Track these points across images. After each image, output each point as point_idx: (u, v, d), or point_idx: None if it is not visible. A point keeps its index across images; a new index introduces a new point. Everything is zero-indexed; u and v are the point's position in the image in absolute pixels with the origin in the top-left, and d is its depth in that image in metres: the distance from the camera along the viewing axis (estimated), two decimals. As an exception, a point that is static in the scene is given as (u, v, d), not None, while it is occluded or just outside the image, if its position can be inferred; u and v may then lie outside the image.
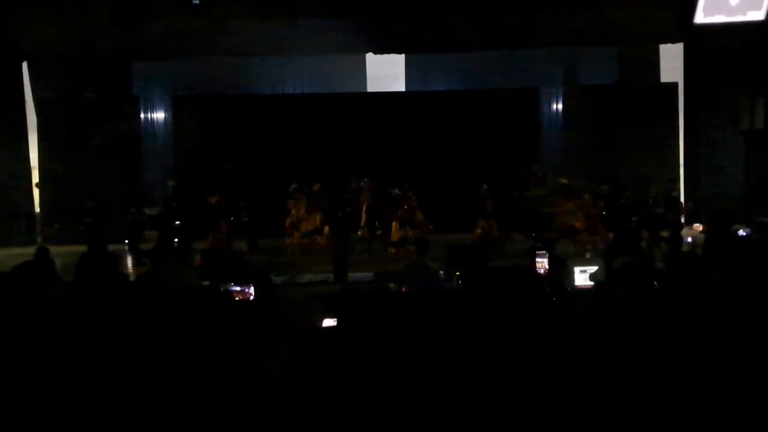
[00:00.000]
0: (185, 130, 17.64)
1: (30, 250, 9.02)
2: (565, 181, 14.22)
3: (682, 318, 3.89)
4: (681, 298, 4.21)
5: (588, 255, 11.66)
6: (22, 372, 3.15)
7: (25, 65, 16.36)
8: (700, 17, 13.23)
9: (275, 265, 11.89)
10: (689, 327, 3.72)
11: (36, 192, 17.01)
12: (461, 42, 15.59)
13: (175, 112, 18.00)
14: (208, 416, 2.84)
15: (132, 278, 8.84)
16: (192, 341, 3.24)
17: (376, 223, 13.63)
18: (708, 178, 15.84)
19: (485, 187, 13.94)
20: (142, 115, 17.86)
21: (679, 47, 16.15)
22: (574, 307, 4.37)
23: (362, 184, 14.18)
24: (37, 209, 17.08)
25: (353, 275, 11.05)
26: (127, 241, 13.27)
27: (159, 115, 18.45)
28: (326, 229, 13.71)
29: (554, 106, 18.55)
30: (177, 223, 14.46)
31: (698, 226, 12.23)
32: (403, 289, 6.89)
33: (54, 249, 11.40)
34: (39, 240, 15.74)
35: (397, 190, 13.80)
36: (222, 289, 4.08)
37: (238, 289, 5.16)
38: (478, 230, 13.28)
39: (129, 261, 12.87)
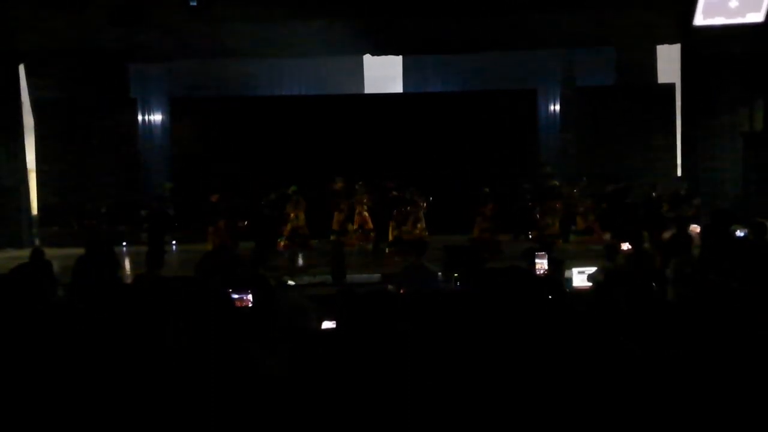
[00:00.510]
0: (183, 131, 17.63)
1: (27, 253, 8.98)
2: (556, 183, 14.26)
3: (681, 318, 3.90)
4: (679, 298, 4.21)
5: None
6: (19, 373, 3.14)
7: (22, 67, 16.34)
8: (700, 19, 13.24)
9: (272, 268, 11.89)
10: (688, 327, 3.72)
11: (33, 194, 17.00)
12: (459, 43, 15.61)
13: (173, 113, 17.99)
14: (208, 416, 2.83)
15: (129, 280, 8.85)
16: (192, 341, 3.23)
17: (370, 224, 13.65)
18: (706, 179, 15.85)
19: (486, 189, 13.95)
20: (139, 117, 17.86)
21: (675, 48, 16.17)
22: (572, 308, 4.36)
23: (335, 185, 14.18)
24: (35, 211, 17.07)
25: (351, 277, 11.02)
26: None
27: (156, 117, 18.45)
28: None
29: (552, 107, 18.57)
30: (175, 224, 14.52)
31: (695, 227, 12.24)
32: (401, 291, 6.90)
33: (52, 251, 11.37)
34: (37, 242, 15.73)
35: (413, 189, 13.85)
36: (221, 289, 4.08)
37: (236, 296, 5.17)
38: (476, 232, 13.30)
39: (127, 263, 12.86)
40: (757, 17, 13.08)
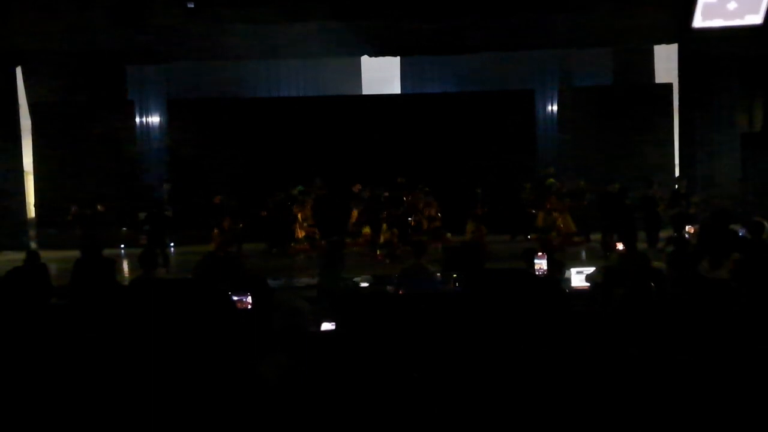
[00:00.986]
0: (180, 133, 17.60)
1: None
2: (552, 180, 14.27)
3: (678, 318, 3.89)
4: (677, 298, 4.21)
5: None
6: (14, 375, 3.13)
7: (19, 69, 16.32)
8: (698, 21, 13.25)
9: (271, 269, 11.90)
10: (686, 326, 3.72)
11: (31, 196, 16.99)
12: (456, 44, 15.60)
13: (170, 115, 17.96)
14: (207, 418, 2.83)
15: (126, 283, 8.83)
16: (189, 343, 3.23)
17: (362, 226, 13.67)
18: (704, 179, 15.87)
19: (479, 191, 13.99)
20: (137, 119, 17.85)
21: (673, 47, 16.19)
22: (572, 308, 4.37)
23: (354, 188, 14.21)
24: (32, 214, 17.05)
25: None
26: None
27: (154, 119, 18.44)
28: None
29: (549, 108, 18.57)
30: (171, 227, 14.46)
31: (691, 228, 12.27)
32: (401, 292, 6.90)
33: (50, 254, 11.36)
34: (33, 245, 15.71)
35: (426, 189, 13.87)
36: (220, 291, 4.07)
37: (235, 298, 5.17)
38: (468, 233, 13.31)
39: (125, 266, 12.84)
40: (755, 19, 13.11)
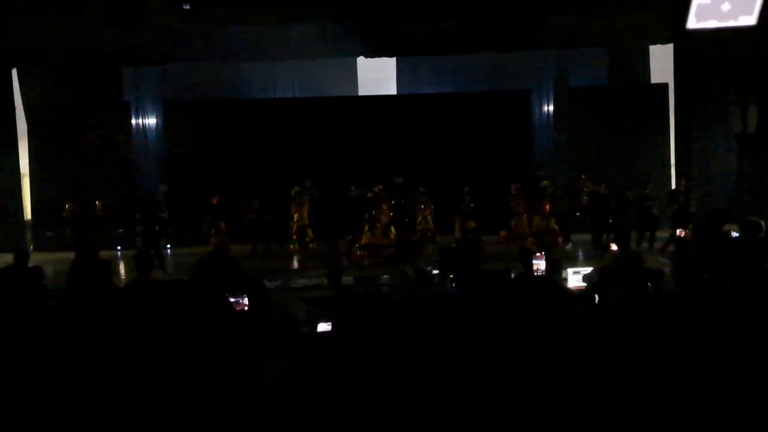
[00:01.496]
0: (176, 134, 17.59)
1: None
2: (546, 183, 14.31)
3: (676, 318, 3.90)
4: (675, 297, 4.22)
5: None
6: (8, 377, 3.13)
7: (15, 71, 16.30)
8: (693, 22, 13.27)
9: (268, 270, 11.90)
10: (683, 326, 3.73)
11: (27, 198, 16.96)
12: (452, 45, 15.60)
13: (166, 116, 17.95)
14: (203, 420, 2.83)
15: (122, 285, 8.81)
16: (185, 345, 3.23)
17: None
18: (699, 178, 15.89)
19: (466, 189, 14.03)
20: (133, 120, 17.82)
21: (668, 47, 16.21)
22: (571, 309, 4.37)
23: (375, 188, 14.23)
24: (28, 215, 17.03)
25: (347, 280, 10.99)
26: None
27: (150, 120, 18.41)
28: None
29: (545, 108, 18.58)
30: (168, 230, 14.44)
31: (681, 231, 12.35)
32: (397, 294, 6.90)
33: (46, 256, 11.34)
34: (31, 246, 15.70)
35: (421, 189, 13.88)
36: (218, 294, 4.07)
37: (232, 300, 5.17)
38: (457, 232, 13.32)
39: (121, 267, 12.83)
40: (749, 20, 13.13)
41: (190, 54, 15.82)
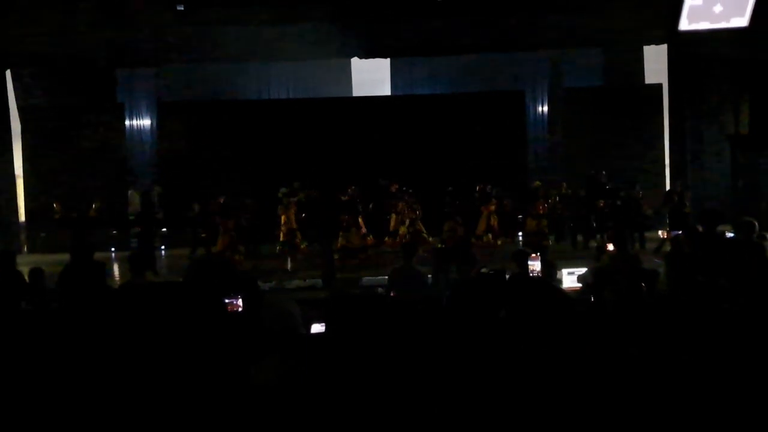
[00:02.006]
0: (171, 135, 17.54)
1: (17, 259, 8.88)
2: (539, 183, 14.32)
3: (670, 318, 3.91)
4: (669, 299, 4.22)
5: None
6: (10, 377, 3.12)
7: (8, 73, 16.25)
8: (685, 24, 13.31)
9: (262, 271, 11.88)
10: (677, 326, 3.74)
11: (21, 200, 16.90)
12: (447, 45, 15.61)
13: (160, 117, 17.91)
14: (198, 421, 2.82)
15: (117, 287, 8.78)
16: (180, 346, 3.22)
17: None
18: (693, 179, 15.94)
19: (450, 188, 14.05)
20: (127, 122, 17.78)
21: (662, 48, 16.25)
22: (569, 309, 4.37)
23: (390, 188, 14.22)
24: (22, 217, 16.97)
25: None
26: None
27: (144, 122, 18.37)
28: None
29: (540, 109, 18.60)
30: (164, 230, 14.42)
31: (662, 233, 12.41)
32: (392, 294, 6.89)
33: (41, 258, 11.28)
34: (25, 249, 15.65)
35: (410, 191, 13.89)
36: (212, 295, 4.06)
37: (227, 301, 5.16)
38: (445, 232, 13.30)
39: (116, 269, 12.79)
40: (741, 22, 13.16)
41: (184, 55, 15.80)
